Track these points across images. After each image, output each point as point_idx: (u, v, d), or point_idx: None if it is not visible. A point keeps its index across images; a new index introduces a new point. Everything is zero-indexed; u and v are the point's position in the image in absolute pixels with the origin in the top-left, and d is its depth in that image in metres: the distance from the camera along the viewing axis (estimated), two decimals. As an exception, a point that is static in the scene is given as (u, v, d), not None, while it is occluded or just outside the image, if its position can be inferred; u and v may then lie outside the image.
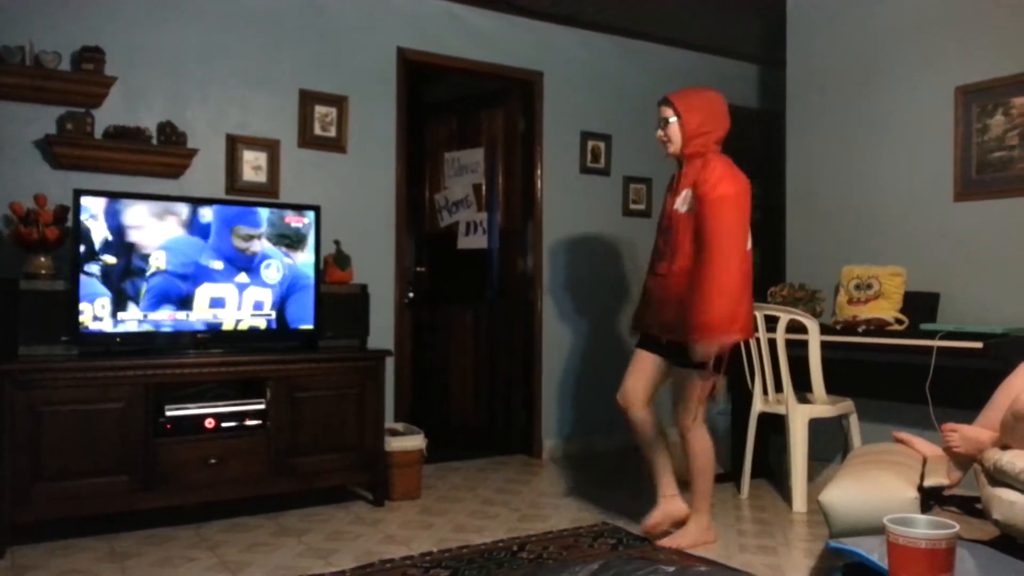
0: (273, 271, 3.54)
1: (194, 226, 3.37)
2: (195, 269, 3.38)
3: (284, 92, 4.00)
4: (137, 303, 3.26)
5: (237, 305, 3.46)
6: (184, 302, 3.35)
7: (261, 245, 3.51)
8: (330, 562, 2.85)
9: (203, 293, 3.39)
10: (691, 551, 2.94)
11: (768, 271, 4.91)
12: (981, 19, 3.65)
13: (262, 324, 3.52)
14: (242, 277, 3.47)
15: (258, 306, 3.51)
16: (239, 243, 3.46)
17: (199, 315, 3.39)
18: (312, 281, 3.62)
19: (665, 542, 3.02)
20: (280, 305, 3.55)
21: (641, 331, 3.24)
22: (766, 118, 5.66)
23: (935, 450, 2.85)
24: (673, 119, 2.99)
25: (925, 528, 1.78)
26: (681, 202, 2.99)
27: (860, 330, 3.62)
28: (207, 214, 3.41)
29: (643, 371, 3.16)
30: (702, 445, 3.08)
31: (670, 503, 3.15)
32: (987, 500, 2.42)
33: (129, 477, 3.08)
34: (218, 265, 3.42)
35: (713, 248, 2.82)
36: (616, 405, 3.21)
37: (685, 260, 2.94)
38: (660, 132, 3.04)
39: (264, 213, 3.52)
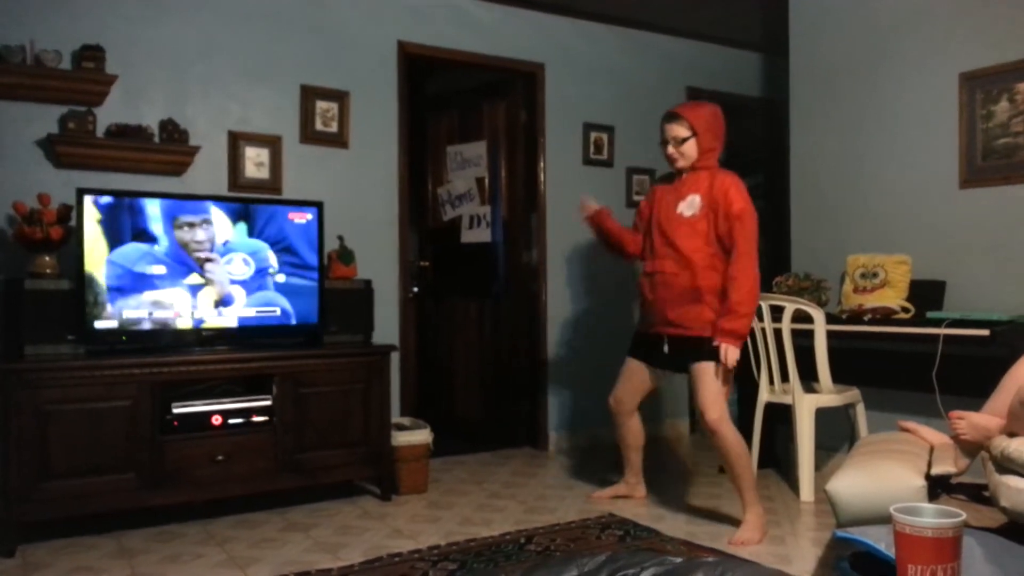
0: (277, 267, 3.54)
1: (198, 223, 3.38)
2: (199, 265, 3.38)
3: (285, 88, 3.99)
4: (143, 301, 3.27)
5: (242, 302, 3.46)
6: (190, 299, 3.36)
7: (266, 241, 3.51)
8: (338, 556, 2.86)
9: (208, 290, 3.39)
10: (707, 544, 2.94)
11: (773, 261, 4.90)
12: (985, 5, 3.62)
13: (267, 321, 3.52)
14: (246, 274, 3.47)
15: (263, 303, 3.51)
16: (244, 240, 3.46)
17: (204, 312, 3.39)
18: (316, 277, 3.63)
19: (735, 540, 2.95)
20: (285, 302, 3.55)
21: (644, 332, 3.37)
22: (769, 107, 5.64)
23: (942, 438, 2.85)
24: (690, 137, 3.12)
25: (932, 517, 1.77)
26: (687, 207, 3.15)
27: (866, 319, 3.60)
28: (211, 210, 3.41)
29: (634, 380, 3.45)
30: (734, 439, 3.07)
31: (632, 487, 3.61)
32: (994, 488, 2.41)
33: (136, 474, 3.09)
34: (223, 261, 3.42)
35: (743, 253, 3.03)
36: (608, 408, 3.55)
37: (692, 257, 3.11)
38: (672, 149, 3.17)
39: (268, 210, 3.52)
